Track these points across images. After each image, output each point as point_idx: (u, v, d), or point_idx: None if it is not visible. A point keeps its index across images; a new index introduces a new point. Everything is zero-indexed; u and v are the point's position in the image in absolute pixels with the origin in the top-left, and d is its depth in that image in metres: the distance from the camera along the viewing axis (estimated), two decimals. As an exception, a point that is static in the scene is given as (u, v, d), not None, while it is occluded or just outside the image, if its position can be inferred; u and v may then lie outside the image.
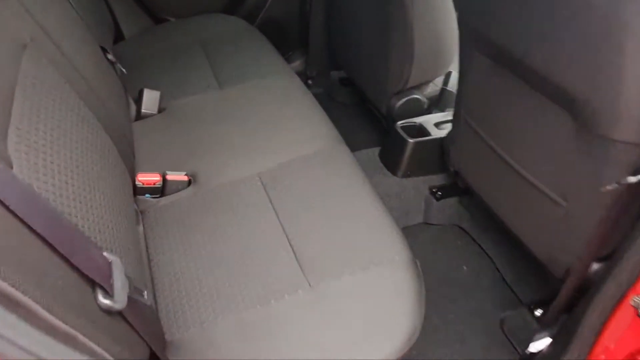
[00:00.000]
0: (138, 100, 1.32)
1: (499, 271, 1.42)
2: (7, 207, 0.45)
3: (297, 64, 2.05)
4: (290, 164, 1.14)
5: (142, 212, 1.08)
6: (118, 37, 1.69)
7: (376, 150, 1.66)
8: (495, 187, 1.24)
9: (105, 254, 0.60)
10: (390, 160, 1.58)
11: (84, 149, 0.77)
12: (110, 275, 0.58)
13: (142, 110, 1.30)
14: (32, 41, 0.77)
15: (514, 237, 1.18)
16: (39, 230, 0.48)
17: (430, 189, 1.55)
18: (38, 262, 0.49)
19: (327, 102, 2.02)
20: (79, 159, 0.73)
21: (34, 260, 0.49)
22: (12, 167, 0.54)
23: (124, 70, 1.31)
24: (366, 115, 1.91)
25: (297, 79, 1.44)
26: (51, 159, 0.64)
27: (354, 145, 1.52)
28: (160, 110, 1.33)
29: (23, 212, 0.47)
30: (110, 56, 1.22)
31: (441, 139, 1.48)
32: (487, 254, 1.47)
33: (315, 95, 1.45)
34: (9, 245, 0.46)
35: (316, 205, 1.05)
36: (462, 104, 1.26)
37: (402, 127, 1.53)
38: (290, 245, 0.97)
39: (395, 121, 1.55)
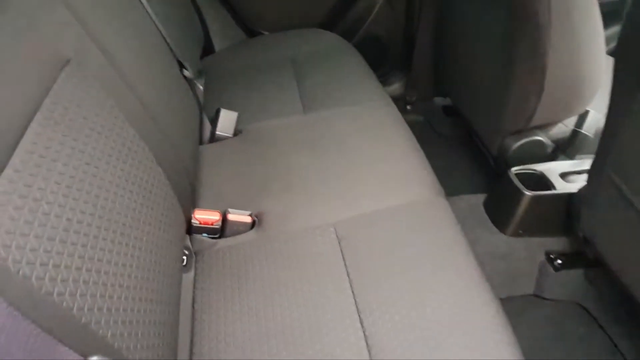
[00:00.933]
0: (214, 121, 1.19)
1: (635, 377, 1.08)
2: None
3: (396, 87, 1.84)
4: (374, 216, 0.93)
5: (196, 254, 0.93)
6: (208, 49, 1.61)
7: (481, 198, 1.38)
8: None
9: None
10: (499, 213, 1.30)
11: (120, 188, 0.63)
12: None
13: (217, 132, 1.17)
14: (77, 55, 0.64)
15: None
16: None
17: (548, 254, 1.24)
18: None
19: (426, 132, 1.78)
20: (106, 205, 0.58)
21: None
22: None
23: (201, 87, 1.19)
24: (472, 153, 1.64)
25: (395, 110, 1.23)
26: (58, 212, 0.49)
27: (453, 188, 1.28)
28: (236, 133, 1.20)
29: None
30: (187, 72, 1.10)
31: (568, 196, 1.17)
32: (618, 350, 1.13)
33: (413, 124, 1.24)
34: None
35: (399, 273, 0.83)
36: (607, 157, 0.96)
37: (518, 175, 1.24)
38: (361, 324, 0.76)
39: (509, 166, 1.27)
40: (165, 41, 1.05)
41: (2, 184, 0.44)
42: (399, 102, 1.80)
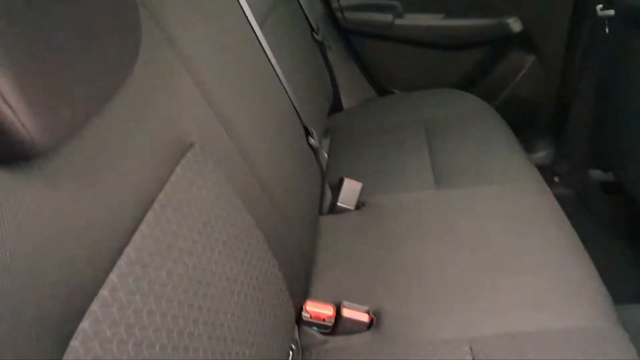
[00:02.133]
0: (336, 190, 1.10)
1: None
2: None
3: (543, 155, 1.61)
4: (523, 338, 0.73)
5: (303, 349, 0.82)
6: (336, 106, 1.56)
7: (659, 310, 1.08)
8: None
9: None
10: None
11: (228, 292, 0.55)
12: None
13: (338, 204, 1.08)
14: (201, 138, 0.59)
15: None
16: None
17: None
18: None
19: (578, 211, 1.50)
20: (211, 316, 0.50)
21: None
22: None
23: (326, 155, 1.11)
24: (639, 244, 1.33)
25: (550, 196, 1.02)
26: (152, 339, 0.41)
27: (619, 293, 1.01)
28: (358, 206, 1.09)
29: None
30: (313, 141, 1.03)
31: None
32: None
33: (562, 198, 1.03)
34: None
35: None
36: None
37: None
38: None
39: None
40: (293, 105, 0.99)
41: (92, 311, 0.37)
42: (546, 172, 1.57)
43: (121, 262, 0.41)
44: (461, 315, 0.78)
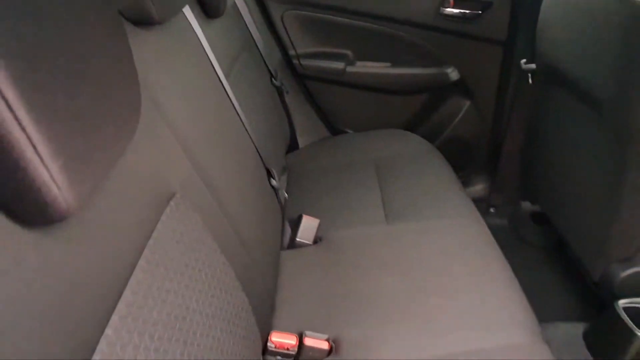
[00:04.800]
0: (295, 226, 1.18)
1: None
2: None
3: (479, 188, 1.76)
4: (465, 357, 0.83)
5: (268, 377, 0.88)
6: (293, 145, 1.65)
7: (580, 328, 1.23)
8: None
9: None
10: (604, 352, 1.14)
11: (206, 327, 0.61)
12: None
13: (297, 239, 1.16)
14: (182, 188, 0.66)
15: None
16: None
17: (668, 409, 1.06)
18: None
19: (511, 240, 1.66)
20: (192, 350, 0.56)
21: None
22: None
23: (286, 196, 1.19)
24: (565, 270, 1.49)
25: (485, 227, 1.15)
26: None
27: (545, 312, 1.15)
28: (316, 240, 1.17)
29: None
30: (274, 182, 1.11)
31: (694, 342, 1.01)
32: None
33: (496, 229, 1.17)
34: None
35: None
36: None
37: (627, 309, 1.10)
38: None
39: (615, 296, 1.13)
40: (256, 149, 1.07)
41: (100, 349, 0.43)
42: (482, 204, 1.71)
43: (121, 304, 0.47)
44: (412, 339, 0.88)
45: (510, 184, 1.69)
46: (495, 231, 1.15)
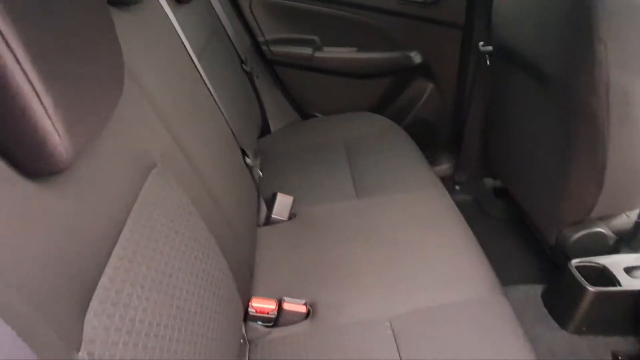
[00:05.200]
0: (270, 204, 1.23)
1: None
2: None
3: (445, 167, 1.85)
4: (430, 312, 0.91)
5: (250, 342, 0.93)
6: (265, 130, 1.69)
7: (538, 289, 1.33)
8: None
9: None
10: (559, 308, 1.24)
11: (192, 286, 0.65)
12: None
13: (272, 216, 1.21)
14: (162, 158, 0.70)
15: None
16: None
17: (614, 355, 1.16)
18: None
19: (475, 214, 1.76)
20: (180, 304, 0.61)
21: None
22: (78, 349, 0.42)
23: (260, 173, 1.24)
24: (526, 238, 1.59)
25: (448, 198, 1.23)
26: (142, 317, 0.52)
27: (508, 277, 1.24)
28: (290, 217, 1.23)
29: None
30: (249, 160, 1.16)
31: (636, 293, 1.11)
32: None
33: (462, 204, 1.24)
34: None
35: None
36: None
37: (579, 268, 1.20)
38: None
39: (568, 257, 1.23)
40: (231, 131, 1.12)
41: (98, 294, 0.47)
42: (448, 182, 1.80)
43: (114, 257, 0.52)
44: (381, 299, 0.95)
45: (474, 162, 1.78)
46: (461, 207, 1.22)
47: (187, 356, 0.59)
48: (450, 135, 1.80)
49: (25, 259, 0.41)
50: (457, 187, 1.84)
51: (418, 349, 0.85)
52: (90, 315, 0.45)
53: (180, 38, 0.99)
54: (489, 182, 1.80)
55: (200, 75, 1.02)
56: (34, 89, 0.38)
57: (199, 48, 1.10)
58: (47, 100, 0.39)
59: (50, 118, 0.40)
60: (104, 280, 0.49)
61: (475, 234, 1.12)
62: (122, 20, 0.76)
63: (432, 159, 1.81)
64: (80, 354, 0.42)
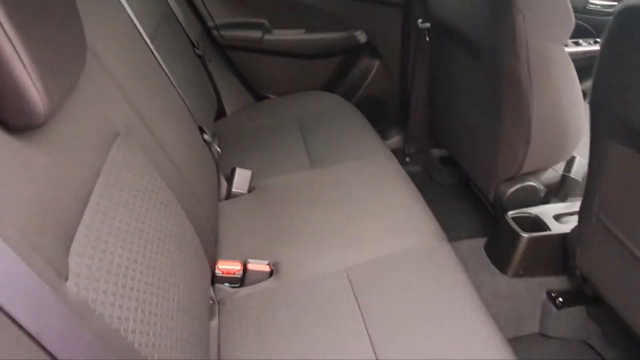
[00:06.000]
0: (230, 179, 1.29)
1: (643, 411, 1.11)
2: (39, 343, 0.38)
3: (395, 140, 1.96)
4: (382, 261, 1.01)
5: (219, 302, 1.00)
6: (221, 113, 1.74)
7: (481, 242, 1.46)
8: (637, 302, 0.99)
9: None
10: (499, 255, 1.37)
11: (162, 242, 0.72)
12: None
13: (233, 190, 1.27)
14: (126, 129, 0.75)
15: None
16: None
17: (549, 293, 1.31)
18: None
19: (425, 182, 1.89)
20: (152, 256, 0.67)
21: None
22: (67, 279, 0.48)
23: (219, 150, 1.30)
24: (470, 200, 1.73)
25: (395, 161, 1.33)
26: (119, 261, 0.58)
27: (455, 234, 1.36)
28: (250, 190, 1.29)
29: (62, 349, 0.40)
30: (206, 136, 1.22)
31: (563, 236, 1.25)
32: (625, 384, 1.17)
33: (413, 174, 1.34)
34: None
35: (409, 313, 0.90)
36: (593, 198, 1.05)
37: (514, 219, 1.33)
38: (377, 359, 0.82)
39: (505, 210, 1.36)
40: (188, 109, 1.17)
41: (78, 238, 0.53)
42: (399, 154, 1.91)
43: (88, 211, 0.57)
44: (338, 253, 1.04)
45: (421, 134, 1.89)
46: (412, 176, 1.32)
47: (162, 301, 0.65)
48: (399, 110, 1.91)
49: (13, 202, 0.46)
50: (407, 159, 1.95)
51: (373, 294, 0.94)
52: (73, 254, 0.51)
53: (133, 22, 1.03)
54: (436, 152, 1.93)
55: (155, 58, 1.07)
56: (15, 49, 0.44)
57: (150, 33, 1.14)
58: (27, 59, 0.45)
59: (29, 75, 0.45)
60: (82, 228, 0.55)
61: (426, 201, 1.21)
62: (79, 3, 0.80)
63: (382, 133, 1.91)
64: (68, 283, 0.48)
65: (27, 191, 0.48)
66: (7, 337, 0.37)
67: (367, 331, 0.87)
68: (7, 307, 0.37)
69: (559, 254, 1.28)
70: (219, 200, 1.28)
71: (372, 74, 1.83)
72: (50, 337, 0.40)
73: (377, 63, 1.82)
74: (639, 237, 0.92)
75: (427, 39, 1.63)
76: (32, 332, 0.38)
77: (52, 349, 0.40)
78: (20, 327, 0.38)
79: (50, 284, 0.43)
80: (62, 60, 0.54)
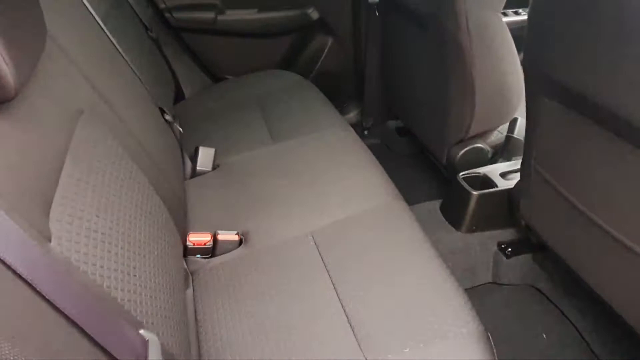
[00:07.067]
0: (194, 158, 1.33)
1: (584, 340, 1.24)
2: (35, 290, 0.43)
3: (353, 115, 2.03)
4: (345, 222, 1.08)
5: (192, 273, 1.04)
6: (179, 96, 1.76)
7: (437, 204, 1.56)
8: (575, 245, 1.10)
9: (142, 331, 0.56)
10: (453, 214, 1.47)
11: (134, 213, 0.76)
12: (145, 357, 0.53)
13: (197, 168, 1.31)
14: (89, 108, 0.78)
15: (601, 300, 1.03)
16: (68, 313, 0.45)
17: (499, 244, 1.42)
18: (65, 346, 0.46)
19: (384, 153, 1.97)
20: (126, 225, 0.71)
21: (60, 344, 0.45)
22: (50, 240, 0.52)
23: (181, 129, 1.33)
24: (426, 166, 1.83)
25: (352, 132, 1.40)
26: (95, 227, 0.62)
27: (413, 198, 1.45)
28: (214, 167, 1.33)
29: (53, 293, 0.44)
30: (168, 117, 1.24)
31: (508, 191, 1.36)
32: (569, 320, 1.30)
33: (372, 146, 1.41)
34: (33, 329, 0.43)
35: (373, 268, 0.97)
36: (531, 153, 1.15)
37: (465, 179, 1.43)
38: (345, 312, 0.89)
39: (457, 172, 1.46)
40: (147, 90, 1.19)
41: (55, 206, 0.57)
42: (357, 128, 1.98)
43: (62, 178, 0.61)
44: (302, 218, 1.10)
45: (377, 107, 1.97)
46: (371, 149, 1.37)
47: (140, 264, 0.70)
48: (355, 85, 1.97)
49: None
50: (365, 132, 2.03)
51: (337, 253, 1.01)
52: (53, 220, 0.55)
53: (85, 6, 1.04)
54: (392, 123, 2.01)
55: (111, 41, 1.08)
56: None
57: (102, 17, 1.15)
58: None
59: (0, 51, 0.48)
60: (57, 197, 0.58)
61: (385, 170, 1.27)
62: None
63: (340, 109, 1.96)
64: (52, 244, 0.52)
65: (3, 161, 0.51)
66: (4, 283, 0.41)
67: (334, 287, 0.94)
68: (2, 255, 0.41)
69: (506, 208, 1.39)
70: (185, 179, 1.31)
71: (327, 50, 1.88)
72: (43, 285, 0.44)
73: (330, 40, 1.86)
74: (573, 186, 1.02)
75: (377, 13, 1.69)
76: (28, 278, 0.42)
77: (47, 296, 0.44)
78: (15, 273, 0.42)
79: (37, 241, 0.47)
80: (26, 37, 0.56)
